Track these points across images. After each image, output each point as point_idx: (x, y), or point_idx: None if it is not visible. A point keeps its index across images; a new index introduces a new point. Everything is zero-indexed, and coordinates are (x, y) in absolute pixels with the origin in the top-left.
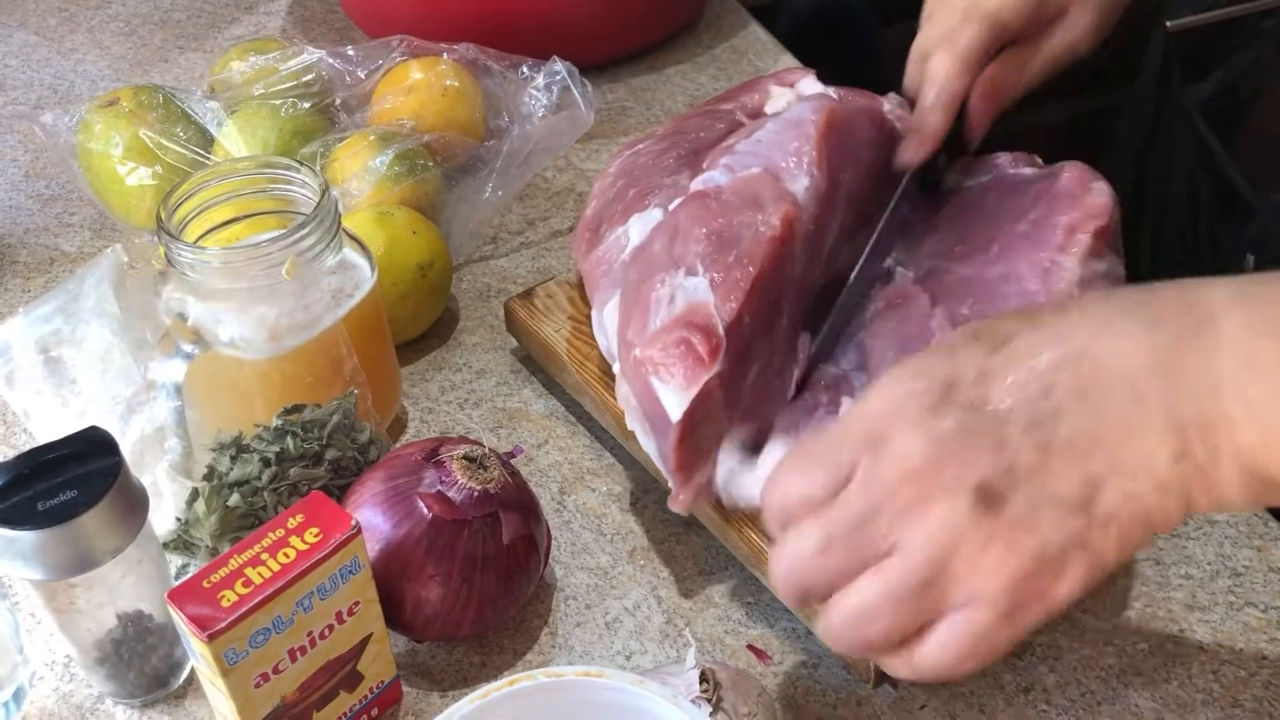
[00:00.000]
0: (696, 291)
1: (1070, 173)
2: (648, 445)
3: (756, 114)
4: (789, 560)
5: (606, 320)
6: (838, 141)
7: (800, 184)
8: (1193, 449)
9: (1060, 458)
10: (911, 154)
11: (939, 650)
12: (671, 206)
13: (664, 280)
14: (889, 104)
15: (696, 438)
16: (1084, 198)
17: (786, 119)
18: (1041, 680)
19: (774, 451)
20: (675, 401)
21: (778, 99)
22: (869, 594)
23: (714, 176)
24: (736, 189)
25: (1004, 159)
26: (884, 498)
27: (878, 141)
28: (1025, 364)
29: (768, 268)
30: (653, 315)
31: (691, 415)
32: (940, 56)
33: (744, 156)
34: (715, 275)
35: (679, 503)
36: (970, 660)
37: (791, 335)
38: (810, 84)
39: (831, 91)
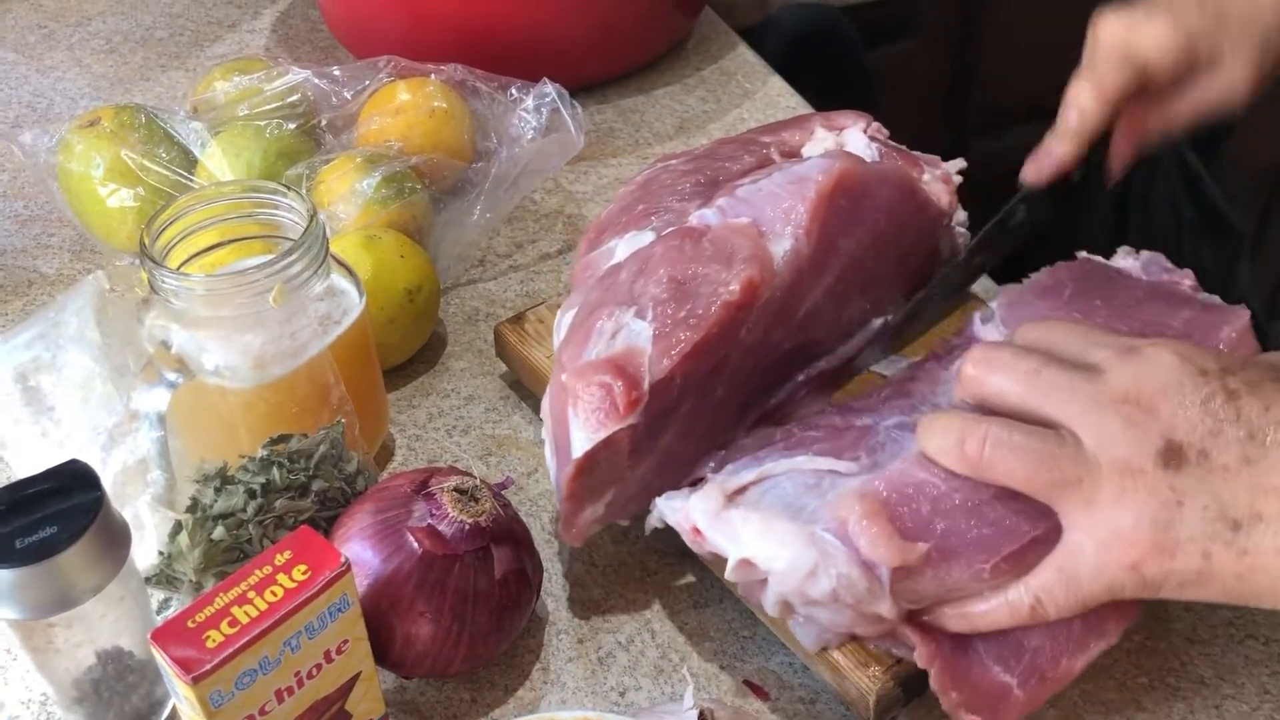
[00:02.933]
0: (639, 337)
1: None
2: (550, 464)
3: (793, 153)
4: (1000, 355)
5: (561, 325)
6: (844, 206)
7: (782, 245)
8: None
9: (1249, 477)
10: (1031, 174)
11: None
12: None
13: (612, 314)
14: (929, 173)
15: (592, 478)
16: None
17: (795, 172)
18: (1041, 714)
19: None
20: (580, 439)
21: (819, 142)
22: (1035, 444)
23: (707, 215)
24: (717, 237)
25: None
26: (1103, 392)
27: (901, 210)
28: None
29: (715, 333)
30: (591, 345)
31: (592, 457)
32: (1080, 86)
33: (739, 203)
34: (660, 326)
35: (568, 535)
36: (1072, 595)
37: (728, 402)
38: (854, 135)
39: (872, 148)
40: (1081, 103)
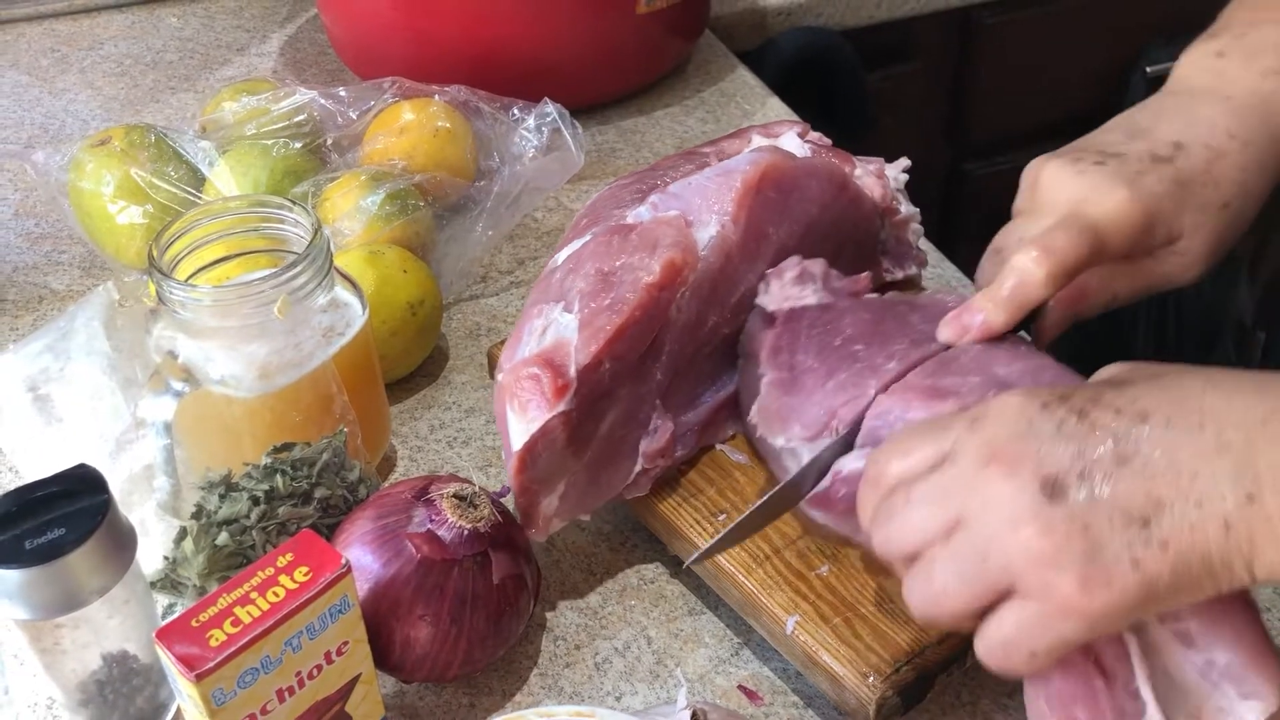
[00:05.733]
0: (566, 329)
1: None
2: (505, 464)
3: None
4: (879, 517)
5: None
6: (773, 197)
7: (707, 232)
8: (1264, 498)
9: (1133, 474)
10: (953, 334)
11: (990, 636)
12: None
13: (542, 311)
14: (860, 168)
15: (536, 469)
16: None
17: (723, 166)
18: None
19: None
20: (517, 432)
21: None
22: (939, 568)
23: (641, 213)
24: (645, 230)
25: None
26: (966, 468)
27: (832, 202)
28: (1135, 394)
29: (638, 315)
30: (524, 344)
31: (530, 448)
32: (1029, 255)
33: (670, 198)
34: (585, 314)
35: (530, 530)
36: (1015, 655)
37: (673, 389)
38: (789, 139)
39: (804, 148)
40: (1029, 274)
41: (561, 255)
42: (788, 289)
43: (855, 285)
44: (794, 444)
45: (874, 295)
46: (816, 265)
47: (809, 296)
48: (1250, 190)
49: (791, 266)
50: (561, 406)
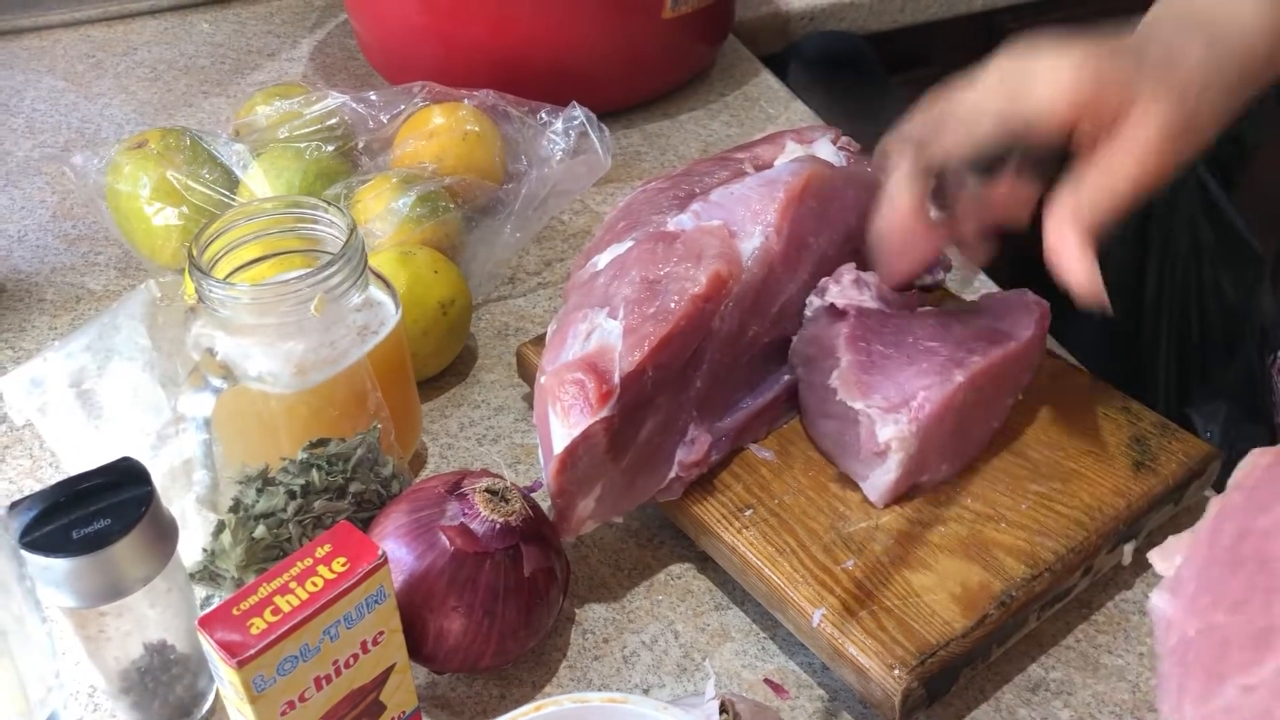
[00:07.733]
0: (610, 335)
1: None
2: (542, 466)
3: (767, 167)
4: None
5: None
6: (814, 206)
7: (751, 243)
8: None
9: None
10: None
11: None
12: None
13: (586, 316)
14: None
15: (576, 471)
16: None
17: (766, 176)
18: (1056, 715)
19: None
20: (560, 435)
21: (790, 155)
22: None
23: (683, 220)
24: (689, 238)
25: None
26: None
27: (871, 209)
28: None
29: (683, 325)
30: (568, 347)
31: (572, 451)
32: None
33: (713, 206)
34: (630, 322)
35: (564, 530)
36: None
37: (711, 397)
38: (823, 145)
39: (839, 156)
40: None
41: (603, 259)
42: (848, 291)
43: (907, 300)
44: (872, 410)
45: (929, 308)
46: (870, 276)
47: (868, 300)
48: None
49: (848, 271)
50: (604, 412)
